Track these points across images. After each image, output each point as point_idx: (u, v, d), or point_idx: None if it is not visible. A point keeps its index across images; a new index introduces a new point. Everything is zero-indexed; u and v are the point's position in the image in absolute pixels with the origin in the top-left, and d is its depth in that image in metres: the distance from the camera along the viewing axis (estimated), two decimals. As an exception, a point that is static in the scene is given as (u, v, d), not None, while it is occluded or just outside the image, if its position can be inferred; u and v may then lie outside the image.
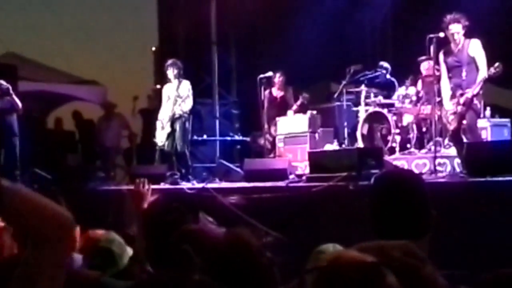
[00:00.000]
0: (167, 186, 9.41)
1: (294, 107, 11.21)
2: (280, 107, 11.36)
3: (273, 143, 11.11)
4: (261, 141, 11.22)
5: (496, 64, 7.60)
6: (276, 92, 11.43)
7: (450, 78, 8.07)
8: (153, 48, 17.26)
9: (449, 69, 8.09)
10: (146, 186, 3.79)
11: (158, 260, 3.02)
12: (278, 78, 11.31)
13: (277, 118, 11.08)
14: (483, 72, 7.68)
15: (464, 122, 7.82)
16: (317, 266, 1.67)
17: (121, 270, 3.59)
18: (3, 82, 10.58)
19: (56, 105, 16.72)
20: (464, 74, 7.86)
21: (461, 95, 7.80)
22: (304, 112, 11.01)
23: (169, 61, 10.39)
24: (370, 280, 1.51)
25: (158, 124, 10.36)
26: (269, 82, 11.13)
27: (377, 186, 2.39)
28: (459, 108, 7.81)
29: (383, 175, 2.58)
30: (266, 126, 10.98)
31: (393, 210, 2.25)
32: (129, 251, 3.70)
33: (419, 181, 2.40)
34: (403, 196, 2.26)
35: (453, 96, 7.95)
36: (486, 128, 8.99)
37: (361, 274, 1.51)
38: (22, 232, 1.92)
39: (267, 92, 11.10)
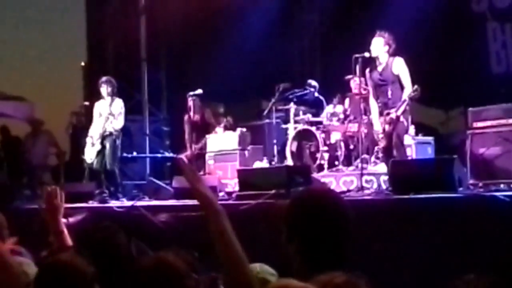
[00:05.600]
0: (96, 204, 9.30)
1: (217, 128, 11.12)
2: (201, 129, 11.21)
3: (195, 161, 10.92)
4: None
5: (415, 87, 7.83)
6: (195, 116, 11.18)
7: (377, 96, 8.25)
8: (82, 64, 17.08)
9: (375, 88, 8.28)
10: (59, 197, 3.73)
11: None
12: (192, 102, 10.98)
13: (207, 136, 11.08)
14: (408, 90, 7.89)
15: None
16: None
17: None
18: None
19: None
20: (389, 92, 8.04)
21: (387, 114, 7.99)
22: (233, 130, 11.04)
23: (104, 78, 10.30)
24: None
25: (88, 140, 10.25)
26: (188, 107, 11.03)
27: (296, 203, 2.42)
28: (387, 127, 8.00)
29: (303, 193, 2.62)
30: (188, 149, 11.03)
31: (311, 230, 2.28)
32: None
33: (340, 200, 2.44)
34: (320, 214, 2.29)
35: (381, 115, 8.13)
36: (411, 145, 9.20)
37: None
38: None
39: (186, 117, 11.07)
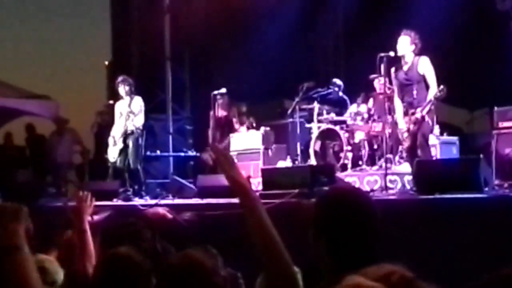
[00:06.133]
0: (120, 202, 9.35)
1: (239, 128, 11.13)
2: (225, 127, 11.27)
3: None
4: (205, 156, 11.19)
5: (441, 87, 7.77)
6: (220, 112, 11.29)
7: (402, 96, 8.21)
8: (106, 63, 17.17)
9: (400, 87, 8.23)
10: (89, 202, 3.78)
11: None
12: (220, 99, 11.09)
13: (231, 135, 11.10)
14: (433, 89, 7.83)
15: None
16: None
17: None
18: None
19: (6, 120, 16.47)
20: (415, 92, 7.99)
21: (412, 114, 7.94)
22: (257, 129, 11.05)
23: (120, 78, 10.34)
24: None
25: (110, 140, 10.31)
26: (215, 103, 11.09)
27: (324, 202, 2.41)
28: (412, 126, 7.95)
29: (331, 192, 2.61)
30: (211, 143, 11.03)
31: (340, 229, 2.27)
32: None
33: (369, 198, 2.43)
34: (351, 214, 2.29)
35: (405, 114, 8.09)
36: (435, 145, 9.15)
37: None
38: None
39: (212, 112, 11.12)
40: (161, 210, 3.94)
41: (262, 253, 2.19)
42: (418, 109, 7.87)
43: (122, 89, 10.22)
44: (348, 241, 2.24)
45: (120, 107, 10.30)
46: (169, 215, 3.98)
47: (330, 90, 10.70)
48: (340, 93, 10.66)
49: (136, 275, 2.66)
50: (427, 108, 7.82)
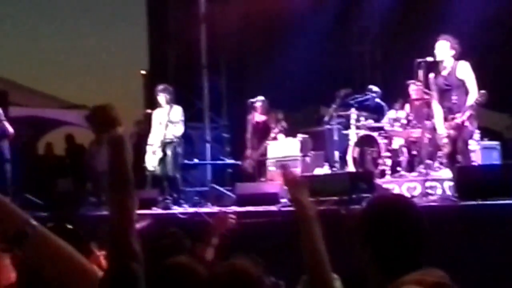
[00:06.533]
0: (159, 211, 9.41)
1: (272, 134, 11.09)
2: (263, 132, 11.24)
3: (257, 167, 11.02)
4: (245, 165, 11.22)
5: (481, 92, 7.67)
6: (259, 117, 11.28)
7: (441, 101, 8.13)
8: (143, 72, 17.33)
9: (439, 92, 8.15)
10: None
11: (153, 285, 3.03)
12: (259, 103, 11.13)
13: (267, 142, 11.09)
14: (473, 94, 7.74)
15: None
16: None
17: None
18: (-5, 108, 10.58)
19: (47, 130, 16.74)
20: (454, 97, 7.90)
21: (452, 119, 7.86)
22: (294, 136, 11.03)
23: (160, 87, 10.37)
24: None
25: (149, 148, 10.35)
26: (253, 107, 11.15)
27: (370, 210, 2.41)
28: (451, 132, 7.87)
29: (377, 199, 2.59)
30: (249, 151, 11.03)
31: (386, 236, 2.26)
32: None
33: (416, 207, 2.42)
34: (398, 222, 2.28)
35: (445, 119, 8.01)
36: (476, 151, 9.04)
37: None
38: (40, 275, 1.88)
39: (250, 117, 11.14)
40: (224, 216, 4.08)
41: (308, 267, 2.31)
42: (458, 115, 7.79)
43: (162, 98, 10.26)
44: (395, 249, 2.23)
45: (159, 116, 10.34)
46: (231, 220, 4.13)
47: (367, 97, 10.65)
48: (377, 99, 10.61)
49: (196, 285, 2.66)
50: (467, 114, 7.73)
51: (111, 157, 2.22)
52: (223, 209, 8.43)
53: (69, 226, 2.97)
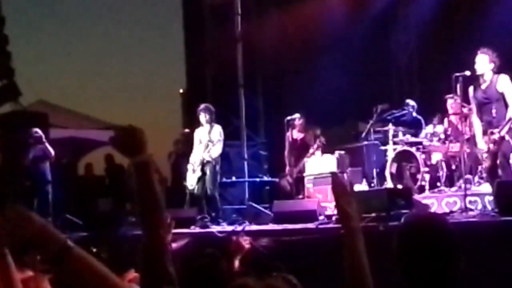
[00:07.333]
0: (198, 229, 9.45)
1: (311, 150, 11.08)
2: (301, 149, 11.25)
3: (295, 184, 11.03)
4: (283, 183, 11.23)
5: None
6: (297, 135, 11.33)
7: (480, 115, 8.04)
8: (181, 91, 17.48)
9: (478, 106, 8.07)
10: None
11: None
12: (298, 120, 11.20)
13: (305, 159, 11.08)
14: (513, 108, 7.66)
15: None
16: None
17: None
18: (38, 130, 10.76)
19: (87, 151, 16.94)
20: (494, 111, 7.82)
21: (492, 133, 7.77)
22: (332, 153, 11.00)
23: (202, 106, 10.45)
24: None
25: (190, 167, 10.40)
26: (291, 125, 11.17)
27: (406, 230, 2.40)
28: (491, 146, 7.78)
29: (413, 219, 2.58)
30: (287, 168, 11.03)
31: (421, 256, 2.26)
32: None
33: (449, 228, 2.40)
34: (432, 243, 2.27)
35: (484, 133, 7.92)
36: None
37: None
38: None
39: (288, 134, 11.16)
40: (242, 242, 4.05)
41: (350, 282, 2.28)
42: (497, 130, 7.70)
43: (203, 117, 10.33)
44: (428, 270, 2.22)
45: (200, 135, 10.40)
46: (247, 245, 4.09)
47: (404, 111, 10.59)
48: (414, 114, 10.54)
49: None
50: (506, 127, 7.64)
51: (138, 184, 2.24)
52: (237, 229, 8.45)
53: (93, 249, 3.00)
